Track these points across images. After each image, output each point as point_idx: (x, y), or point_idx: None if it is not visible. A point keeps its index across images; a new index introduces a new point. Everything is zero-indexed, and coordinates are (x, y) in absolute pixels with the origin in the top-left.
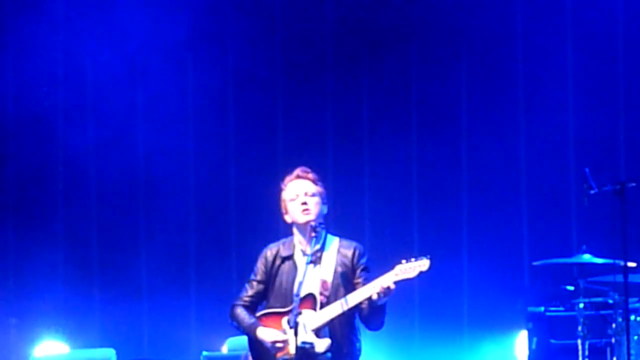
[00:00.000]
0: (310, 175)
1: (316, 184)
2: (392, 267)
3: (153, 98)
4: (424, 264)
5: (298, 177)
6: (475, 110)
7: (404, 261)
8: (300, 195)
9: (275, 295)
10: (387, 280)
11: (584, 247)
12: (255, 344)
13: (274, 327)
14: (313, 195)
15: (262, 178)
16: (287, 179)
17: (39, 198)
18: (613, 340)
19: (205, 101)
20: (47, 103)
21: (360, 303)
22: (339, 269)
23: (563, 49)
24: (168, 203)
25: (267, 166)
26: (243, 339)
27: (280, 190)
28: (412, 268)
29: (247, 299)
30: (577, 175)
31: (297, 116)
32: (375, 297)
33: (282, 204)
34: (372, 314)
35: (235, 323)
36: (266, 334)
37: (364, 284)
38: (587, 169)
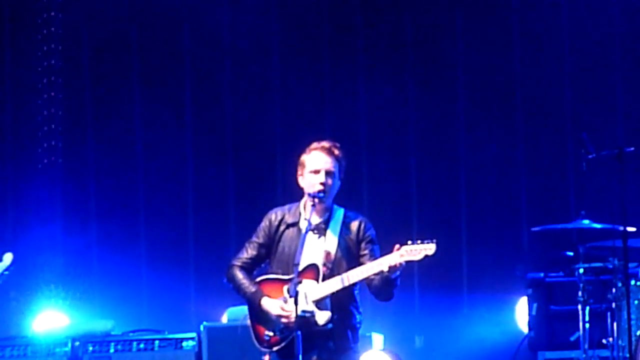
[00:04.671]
0: (337, 153)
1: (340, 162)
2: (395, 247)
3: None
4: (430, 248)
5: (326, 150)
6: (472, 81)
7: (409, 242)
8: (321, 172)
9: (277, 262)
10: (393, 259)
11: (583, 212)
12: (257, 311)
13: (275, 294)
14: (333, 175)
15: (260, 148)
16: (315, 145)
17: (37, 176)
18: (613, 305)
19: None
20: None
21: (364, 279)
22: (343, 242)
23: (559, 11)
24: (166, 173)
25: (265, 135)
26: (242, 309)
27: (302, 152)
28: (417, 250)
29: (246, 260)
30: (575, 140)
31: (294, 86)
32: (386, 272)
33: (300, 167)
34: (383, 286)
35: (232, 285)
36: (271, 305)
37: (370, 256)
38: (584, 134)
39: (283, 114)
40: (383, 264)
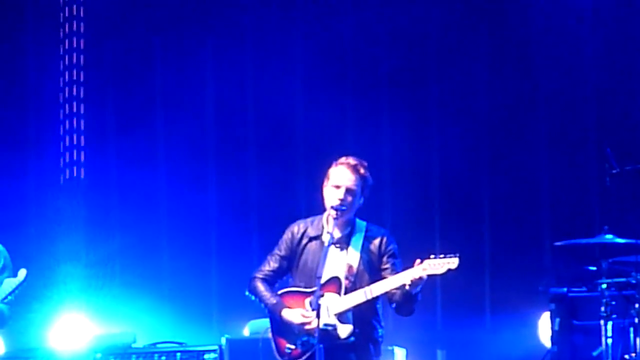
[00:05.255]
0: (363, 171)
1: (364, 181)
2: (416, 262)
3: None
4: (453, 262)
5: (352, 167)
6: (494, 94)
7: (432, 256)
8: (342, 188)
9: (299, 274)
10: (416, 273)
11: (606, 227)
12: (278, 323)
13: (297, 306)
14: (354, 193)
15: (284, 160)
16: (343, 160)
17: (60, 188)
18: (636, 320)
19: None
20: None
21: (386, 292)
22: (365, 255)
23: (582, 23)
24: (188, 185)
25: (288, 147)
26: (264, 322)
27: (329, 166)
28: (440, 264)
29: (268, 272)
30: (598, 155)
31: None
32: (408, 287)
33: (326, 180)
34: (404, 301)
35: (255, 297)
36: (293, 315)
37: (392, 270)
38: (608, 149)
39: (307, 126)
40: (406, 277)
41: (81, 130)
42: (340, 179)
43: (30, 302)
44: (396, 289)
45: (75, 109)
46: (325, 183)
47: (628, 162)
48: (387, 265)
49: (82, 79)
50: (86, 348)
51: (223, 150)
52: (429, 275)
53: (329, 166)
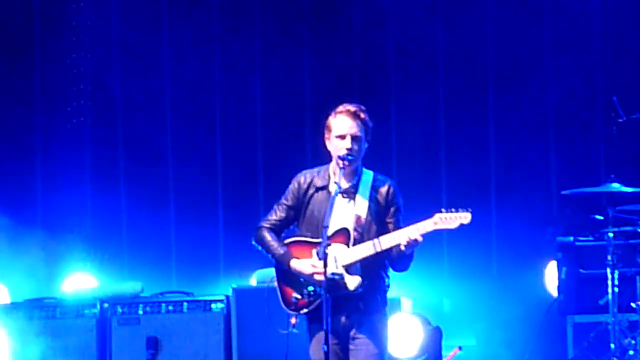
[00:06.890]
0: (363, 116)
1: (366, 125)
2: (431, 215)
3: None
4: (465, 217)
5: (352, 114)
6: (501, 45)
7: (443, 210)
8: (348, 137)
9: (306, 224)
10: (425, 227)
11: (613, 175)
12: (285, 273)
13: (303, 257)
14: (359, 139)
15: (290, 110)
16: (341, 109)
17: (66, 137)
18: None
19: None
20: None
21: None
22: (373, 205)
23: None
24: (195, 135)
25: (294, 96)
26: (271, 272)
27: (328, 115)
28: (452, 219)
29: (274, 222)
30: (605, 103)
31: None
32: (403, 247)
33: (327, 131)
34: (399, 258)
35: (261, 246)
36: (302, 265)
37: (394, 225)
38: (614, 98)
39: (312, 74)
40: (415, 231)
41: (88, 76)
42: (343, 127)
43: (37, 252)
44: (394, 245)
45: (82, 55)
46: (327, 135)
47: (634, 111)
48: (391, 220)
49: (88, 25)
50: (93, 298)
51: (230, 98)
52: (440, 229)
53: (329, 115)
